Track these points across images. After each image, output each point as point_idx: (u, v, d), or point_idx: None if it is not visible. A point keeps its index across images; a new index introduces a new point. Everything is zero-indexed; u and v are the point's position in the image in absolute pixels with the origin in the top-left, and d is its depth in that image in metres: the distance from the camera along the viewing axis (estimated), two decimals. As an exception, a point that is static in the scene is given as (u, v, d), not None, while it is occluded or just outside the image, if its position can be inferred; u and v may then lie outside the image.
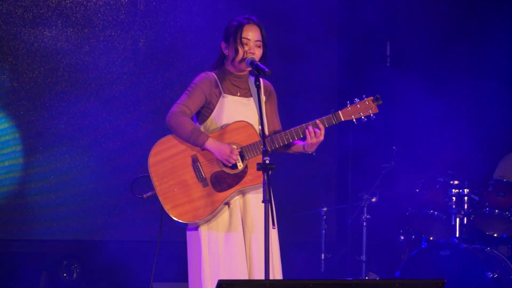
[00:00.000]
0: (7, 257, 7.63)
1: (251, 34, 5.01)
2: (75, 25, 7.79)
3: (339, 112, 4.98)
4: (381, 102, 5.01)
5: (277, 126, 5.20)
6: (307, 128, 4.95)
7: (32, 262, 7.59)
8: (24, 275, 7.58)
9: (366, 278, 7.69)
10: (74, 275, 7.71)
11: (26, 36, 7.68)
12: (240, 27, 5.01)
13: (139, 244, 7.87)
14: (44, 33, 7.72)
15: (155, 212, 7.68)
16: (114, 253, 7.71)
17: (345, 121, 5.00)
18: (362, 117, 5.00)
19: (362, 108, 4.99)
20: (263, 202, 4.53)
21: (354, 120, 5.00)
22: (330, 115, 4.97)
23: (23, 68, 7.70)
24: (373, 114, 5.00)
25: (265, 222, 4.51)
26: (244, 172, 4.95)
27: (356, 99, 5.00)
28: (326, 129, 4.98)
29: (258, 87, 4.77)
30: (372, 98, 5.01)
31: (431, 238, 7.52)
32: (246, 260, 4.97)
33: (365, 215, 7.85)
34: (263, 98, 5.13)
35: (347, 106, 5.00)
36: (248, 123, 5.00)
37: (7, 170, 7.65)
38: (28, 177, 7.66)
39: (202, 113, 5.08)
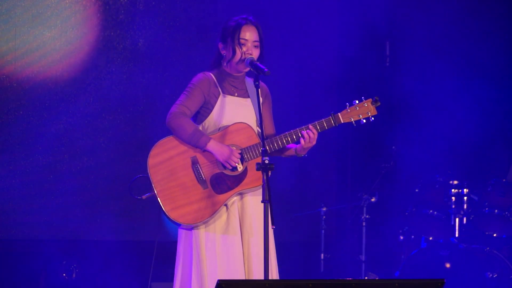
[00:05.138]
0: (6, 257, 7.62)
1: (249, 35, 4.99)
2: (75, 25, 7.79)
3: (339, 114, 4.95)
4: (379, 103, 4.97)
5: (271, 129, 5.16)
6: (303, 131, 4.91)
7: (32, 262, 7.59)
8: (23, 274, 7.58)
9: (366, 278, 7.69)
10: (73, 275, 7.70)
11: (26, 36, 7.68)
12: (238, 28, 4.98)
13: (139, 244, 7.87)
14: (44, 33, 7.72)
15: (155, 212, 7.71)
16: (114, 253, 7.71)
17: (344, 123, 4.97)
18: (361, 119, 4.96)
19: (361, 111, 4.95)
20: (262, 202, 4.53)
21: (353, 122, 4.96)
22: (330, 117, 4.94)
23: (23, 68, 7.69)
24: (372, 116, 4.97)
25: (265, 222, 4.50)
26: (244, 174, 4.94)
27: (355, 100, 4.97)
28: (325, 129, 4.95)
29: (257, 87, 4.76)
30: (370, 100, 4.97)
31: (431, 238, 7.52)
32: (244, 262, 4.96)
33: (365, 215, 7.85)
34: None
35: (346, 108, 4.96)
36: (248, 125, 4.98)
37: (6, 170, 7.65)
38: (28, 177, 7.66)
39: (201, 113, 5.06)
